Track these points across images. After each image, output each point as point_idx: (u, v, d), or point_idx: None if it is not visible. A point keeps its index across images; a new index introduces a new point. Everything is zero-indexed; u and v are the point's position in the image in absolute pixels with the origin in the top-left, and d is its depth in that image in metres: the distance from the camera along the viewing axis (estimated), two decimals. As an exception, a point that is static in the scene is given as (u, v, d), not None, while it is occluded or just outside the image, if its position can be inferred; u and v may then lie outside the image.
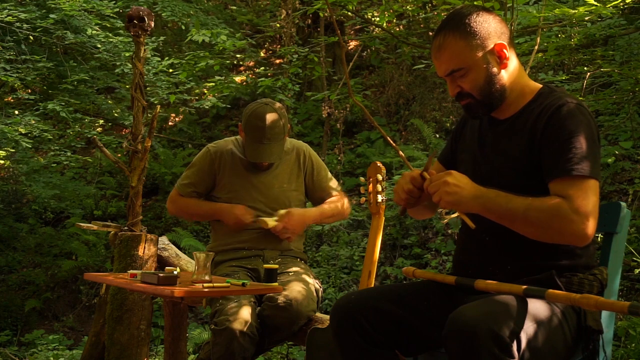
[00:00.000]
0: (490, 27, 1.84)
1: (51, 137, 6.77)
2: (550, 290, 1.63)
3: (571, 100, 1.79)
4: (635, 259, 3.97)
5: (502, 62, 1.84)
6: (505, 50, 1.84)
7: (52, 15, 6.74)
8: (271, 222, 2.93)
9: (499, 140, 1.91)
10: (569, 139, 1.73)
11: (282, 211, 2.96)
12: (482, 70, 1.83)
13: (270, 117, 2.90)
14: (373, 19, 7.32)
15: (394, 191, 1.98)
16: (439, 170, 2.03)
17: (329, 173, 3.19)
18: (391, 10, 5.60)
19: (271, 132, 2.90)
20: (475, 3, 3.71)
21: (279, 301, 2.63)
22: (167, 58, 7.01)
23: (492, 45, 1.83)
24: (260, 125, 2.89)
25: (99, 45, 6.95)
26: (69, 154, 6.99)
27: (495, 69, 1.84)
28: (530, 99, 1.88)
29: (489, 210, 1.75)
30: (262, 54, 9.89)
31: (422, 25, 7.75)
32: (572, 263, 1.80)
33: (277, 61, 9.25)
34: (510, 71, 1.86)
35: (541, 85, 1.91)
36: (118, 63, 7.01)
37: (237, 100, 8.78)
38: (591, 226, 1.68)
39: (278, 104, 3.00)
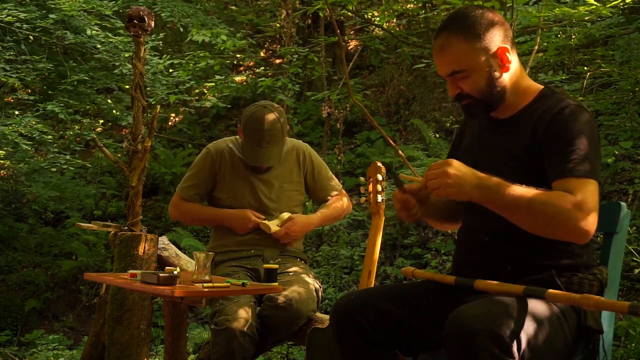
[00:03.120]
0: (494, 30, 1.83)
1: (50, 140, 6.75)
2: (550, 290, 1.63)
3: (573, 102, 1.80)
4: (635, 259, 3.97)
5: (504, 66, 1.84)
6: (507, 54, 1.84)
7: (51, 15, 6.73)
8: (274, 226, 2.94)
9: (498, 140, 1.91)
10: (572, 141, 1.74)
11: (285, 215, 2.97)
12: (484, 73, 1.83)
13: (269, 120, 2.90)
14: (373, 19, 7.31)
15: (399, 214, 2.00)
16: None
17: (330, 172, 3.19)
18: (391, 10, 5.60)
19: (270, 136, 2.90)
20: (475, 3, 3.71)
21: (279, 301, 2.63)
22: (165, 56, 7.00)
23: (495, 49, 1.83)
24: (259, 129, 2.89)
25: (99, 46, 6.94)
26: (67, 156, 6.96)
27: (496, 73, 1.84)
28: (531, 100, 1.88)
29: (490, 200, 1.73)
30: (262, 54, 9.88)
31: (422, 25, 7.74)
32: (571, 263, 1.80)
33: (277, 61, 9.25)
34: (511, 73, 1.86)
35: (542, 87, 1.91)
36: (117, 63, 7.00)
37: (237, 100, 8.77)
38: (592, 223, 1.68)
39: (277, 107, 3.00)
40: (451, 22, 1.86)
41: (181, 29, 7.57)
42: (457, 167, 1.73)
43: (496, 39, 1.83)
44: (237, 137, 3.11)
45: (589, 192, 1.69)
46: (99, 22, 6.91)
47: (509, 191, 1.70)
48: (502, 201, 1.71)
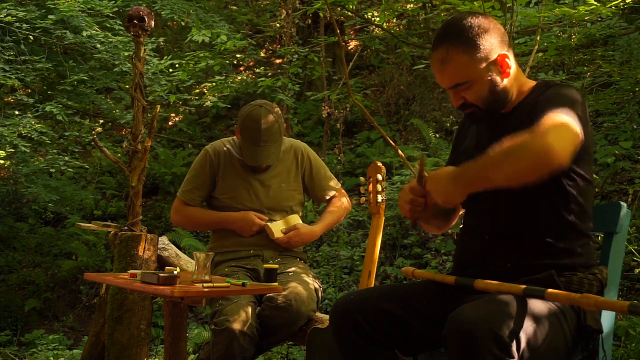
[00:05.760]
0: (492, 38, 1.84)
1: (49, 141, 6.74)
2: (550, 290, 1.63)
3: (563, 84, 1.83)
4: (635, 258, 3.97)
5: (504, 72, 1.86)
6: (507, 60, 1.85)
7: (51, 16, 6.72)
8: (277, 232, 2.94)
9: (496, 136, 1.91)
10: (552, 102, 1.74)
11: (293, 219, 2.97)
12: (486, 81, 1.84)
13: (265, 119, 2.90)
14: (373, 19, 7.32)
15: (399, 206, 1.98)
16: None
17: (329, 171, 3.19)
18: (391, 10, 5.61)
19: (267, 134, 2.90)
20: (475, 4, 3.71)
21: (278, 301, 2.63)
22: (166, 57, 6.99)
23: (494, 57, 1.84)
24: (256, 128, 2.89)
25: (99, 46, 6.94)
26: (66, 158, 6.95)
27: (497, 79, 1.85)
28: (526, 94, 1.90)
29: (469, 181, 1.72)
30: (262, 54, 9.88)
31: (422, 25, 7.74)
32: (571, 262, 1.80)
33: (277, 61, 9.25)
34: (510, 77, 1.88)
35: (536, 82, 1.94)
36: (117, 63, 7.00)
37: (237, 100, 8.78)
38: (552, 140, 1.61)
39: (273, 105, 3.00)
40: (447, 34, 1.85)
41: (182, 24, 7.57)
42: (433, 176, 1.77)
43: (494, 46, 1.84)
44: (235, 137, 3.11)
45: (549, 119, 1.66)
46: (98, 21, 6.90)
47: (473, 161, 1.71)
48: (474, 173, 1.71)
